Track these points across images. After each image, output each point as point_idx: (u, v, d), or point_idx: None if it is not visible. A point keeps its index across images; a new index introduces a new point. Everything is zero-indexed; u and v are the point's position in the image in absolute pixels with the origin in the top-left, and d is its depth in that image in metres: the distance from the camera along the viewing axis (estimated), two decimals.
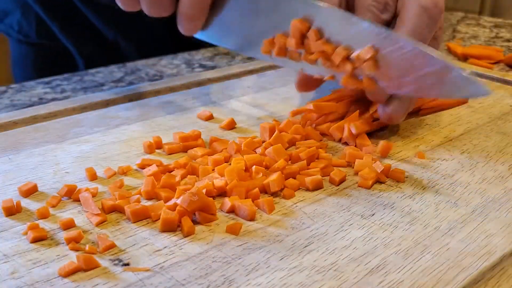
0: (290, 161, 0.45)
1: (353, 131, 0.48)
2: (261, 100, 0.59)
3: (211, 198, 0.38)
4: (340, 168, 0.44)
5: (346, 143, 0.49)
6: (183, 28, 0.51)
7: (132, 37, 0.86)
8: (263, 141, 0.47)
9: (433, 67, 0.43)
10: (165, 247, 0.35)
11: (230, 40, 0.53)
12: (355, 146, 0.48)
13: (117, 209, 0.39)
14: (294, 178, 0.42)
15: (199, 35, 0.53)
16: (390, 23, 0.49)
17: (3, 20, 0.88)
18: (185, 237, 0.36)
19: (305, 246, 0.35)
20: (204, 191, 0.39)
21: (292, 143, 0.48)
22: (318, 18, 0.46)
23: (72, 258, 0.33)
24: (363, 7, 0.49)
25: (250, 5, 0.50)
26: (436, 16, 0.47)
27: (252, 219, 0.38)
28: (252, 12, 0.50)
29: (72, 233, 0.35)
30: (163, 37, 0.84)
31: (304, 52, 0.48)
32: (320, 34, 0.46)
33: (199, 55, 0.80)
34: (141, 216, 0.38)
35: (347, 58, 0.46)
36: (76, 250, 0.34)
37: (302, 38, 0.47)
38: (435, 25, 0.48)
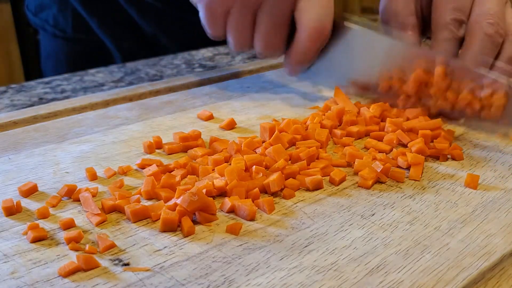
0: (290, 161, 0.45)
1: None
2: (261, 100, 0.59)
3: (211, 198, 0.38)
4: (340, 168, 0.44)
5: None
6: (289, 70, 0.57)
7: (171, 32, 0.86)
8: (263, 141, 0.48)
9: None
10: (165, 247, 0.35)
11: (325, 80, 0.59)
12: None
13: (117, 209, 0.39)
14: (294, 178, 0.42)
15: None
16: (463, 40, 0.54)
17: (38, 15, 0.88)
18: (185, 237, 0.36)
19: (305, 246, 0.35)
20: (204, 191, 0.39)
21: (292, 143, 0.48)
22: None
23: (72, 258, 0.33)
24: (441, 24, 0.53)
25: (349, 51, 0.56)
26: (498, 42, 0.52)
27: (252, 219, 0.38)
28: (350, 57, 0.55)
29: (72, 233, 0.35)
30: (201, 32, 0.84)
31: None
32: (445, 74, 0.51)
33: (199, 55, 0.80)
34: (141, 216, 0.38)
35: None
36: (76, 250, 0.34)
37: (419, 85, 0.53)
38: (496, 49, 0.53)
